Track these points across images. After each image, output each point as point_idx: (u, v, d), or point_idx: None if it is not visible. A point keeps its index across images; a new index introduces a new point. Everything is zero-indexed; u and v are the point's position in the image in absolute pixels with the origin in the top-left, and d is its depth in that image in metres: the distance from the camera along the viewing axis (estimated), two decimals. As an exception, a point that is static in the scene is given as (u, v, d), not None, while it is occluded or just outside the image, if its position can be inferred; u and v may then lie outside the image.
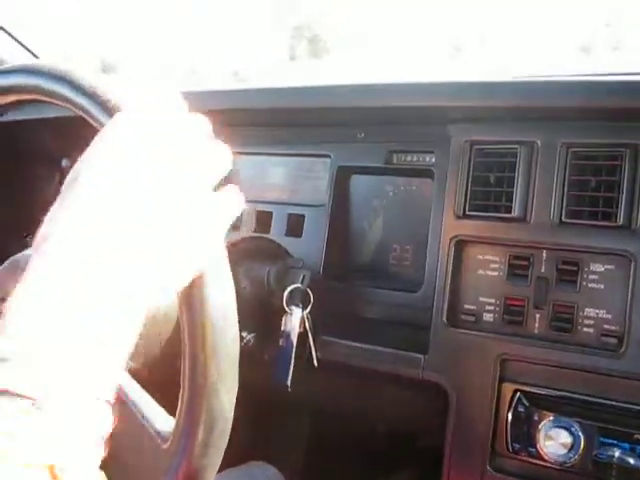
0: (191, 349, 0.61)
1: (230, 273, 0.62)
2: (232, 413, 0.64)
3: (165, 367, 0.83)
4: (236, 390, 0.64)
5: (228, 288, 0.62)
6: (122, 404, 0.69)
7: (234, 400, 0.64)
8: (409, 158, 1.13)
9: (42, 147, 1.49)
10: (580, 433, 0.90)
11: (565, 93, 0.95)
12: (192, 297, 0.60)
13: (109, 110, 0.65)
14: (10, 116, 1.24)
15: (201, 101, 1.23)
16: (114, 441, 0.62)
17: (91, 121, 0.67)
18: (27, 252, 0.80)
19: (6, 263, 0.81)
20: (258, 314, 1.10)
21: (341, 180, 1.19)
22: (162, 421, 0.68)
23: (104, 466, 0.64)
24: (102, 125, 0.66)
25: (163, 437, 0.66)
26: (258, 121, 1.25)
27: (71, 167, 1.47)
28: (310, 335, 1.08)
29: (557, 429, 0.91)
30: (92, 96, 0.67)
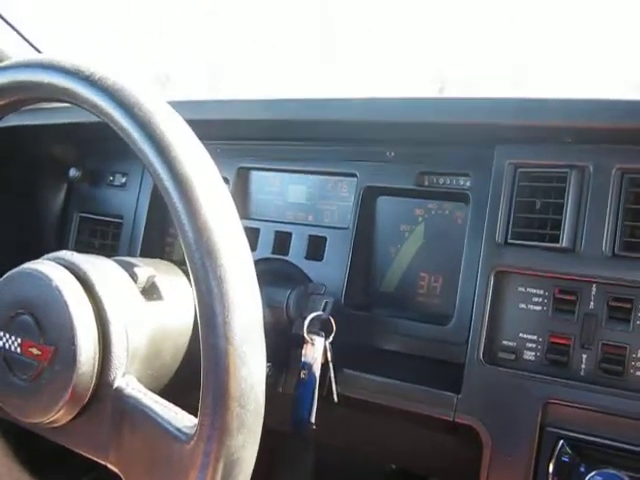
0: (206, 307, 0.56)
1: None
2: (264, 386, 0.59)
3: (181, 378, 0.81)
4: (265, 357, 0.60)
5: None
6: (141, 413, 0.65)
7: (264, 370, 0.59)
8: (442, 180, 1.06)
9: (49, 155, 1.42)
10: (632, 488, 0.81)
11: (629, 114, 0.87)
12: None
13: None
14: (14, 120, 1.18)
15: (220, 111, 1.18)
16: (137, 449, 0.59)
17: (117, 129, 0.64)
18: (26, 265, 0.74)
19: (4, 277, 0.74)
20: (274, 342, 1.01)
21: (367, 201, 1.11)
22: (183, 420, 0.63)
23: (127, 473, 0.58)
24: (121, 127, 0.62)
25: (187, 435, 0.60)
26: (280, 135, 1.18)
27: (80, 177, 1.41)
28: (331, 367, 1.00)
29: (605, 483, 0.82)
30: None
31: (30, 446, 1.11)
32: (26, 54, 1.25)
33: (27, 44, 1.23)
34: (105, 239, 1.38)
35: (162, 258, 1.09)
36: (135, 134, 0.62)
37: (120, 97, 0.64)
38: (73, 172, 1.41)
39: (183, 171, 0.60)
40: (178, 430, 0.61)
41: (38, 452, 1.10)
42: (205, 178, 0.61)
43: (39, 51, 1.29)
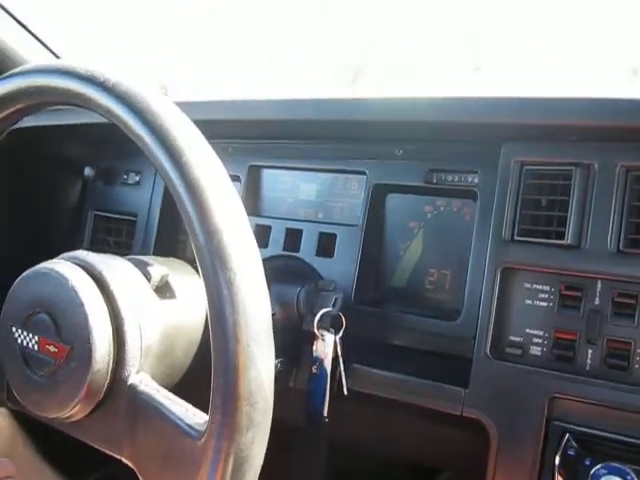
0: (216, 309, 0.59)
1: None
2: (272, 385, 0.60)
3: (193, 375, 0.83)
4: (273, 357, 0.61)
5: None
6: (153, 409, 0.67)
7: (272, 369, 0.60)
8: (450, 178, 1.07)
9: (64, 154, 1.44)
10: (636, 482, 0.82)
11: (633, 113, 0.87)
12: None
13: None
14: (31, 121, 1.20)
15: (231, 111, 1.20)
16: (150, 444, 0.62)
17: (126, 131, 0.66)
18: (43, 265, 0.76)
19: (21, 276, 0.76)
20: (285, 338, 1.03)
21: (377, 199, 1.13)
22: (195, 417, 0.65)
23: (140, 467, 0.60)
24: (134, 132, 0.64)
25: (198, 432, 0.62)
26: (291, 134, 1.19)
27: (95, 176, 1.43)
28: (341, 362, 1.01)
29: (610, 476, 0.83)
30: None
31: (50, 439, 1.13)
32: (44, 59, 1.28)
33: (46, 49, 1.25)
34: (119, 237, 1.40)
35: (175, 255, 1.11)
36: (147, 139, 0.64)
37: (132, 103, 0.65)
38: (88, 171, 1.43)
39: (194, 176, 0.61)
40: (189, 427, 0.63)
41: (57, 445, 1.13)
42: (215, 183, 0.63)
43: (57, 56, 1.32)
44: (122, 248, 1.37)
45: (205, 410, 0.62)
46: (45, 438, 1.32)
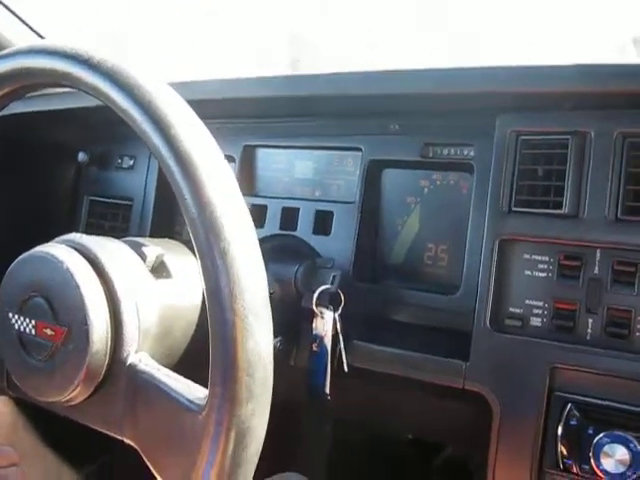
0: (211, 281, 0.58)
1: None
2: (271, 356, 0.60)
3: (192, 354, 0.83)
4: (271, 327, 0.61)
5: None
6: (153, 387, 0.67)
7: (271, 339, 0.60)
8: (446, 151, 1.06)
9: (57, 140, 1.43)
10: (639, 449, 0.82)
11: (627, 77, 0.87)
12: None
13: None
14: (23, 107, 1.19)
15: (222, 90, 1.19)
16: (152, 423, 0.62)
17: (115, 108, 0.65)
18: (38, 249, 0.75)
19: (16, 261, 0.76)
20: (284, 316, 1.03)
21: (372, 175, 1.12)
22: (195, 392, 0.65)
23: (143, 447, 0.59)
24: (121, 108, 0.63)
25: (199, 406, 0.62)
26: (284, 112, 1.18)
27: (89, 161, 1.43)
28: (341, 339, 1.01)
29: (613, 444, 0.83)
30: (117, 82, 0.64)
31: (52, 425, 1.13)
32: (29, 41, 1.26)
33: (32, 32, 1.24)
34: (115, 221, 1.39)
35: (172, 238, 1.10)
36: (136, 115, 0.63)
37: (120, 79, 0.65)
38: (82, 156, 1.42)
39: (184, 148, 0.61)
40: (190, 402, 0.63)
41: (59, 431, 1.13)
42: (206, 154, 0.62)
43: (42, 37, 1.30)
44: (118, 232, 1.36)
45: (206, 387, 0.62)
46: (47, 425, 1.32)
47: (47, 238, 0.81)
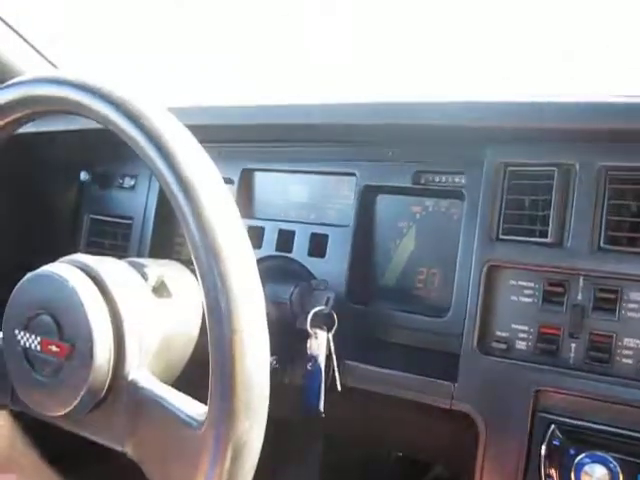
0: (211, 300, 0.62)
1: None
2: (268, 372, 0.63)
3: (192, 371, 0.86)
4: (268, 345, 0.64)
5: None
6: (154, 402, 0.69)
7: (268, 356, 0.63)
8: (437, 179, 1.10)
9: (60, 159, 1.46)
10: (619, 469, 0.85)
11: (607, 115, 0.91)
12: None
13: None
14: (27, 127, 1.22)
15: (224, 116, 1.23)
16: (152, 437, 0.65)
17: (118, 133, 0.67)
18: (44, 268, 0.78)
19: (23, 280, 0.79)
20: (279, 336, 1.06)
21: (367, 200, 1.16)
22: (194, 408, 0.67)
23: (143, 460, 0.62)
24: (129, 136, 0.66)
25: (198, 422, 0.65)
26: (282, 138, 1.22)
27: (90, 180, 1.46)
28: (334, 359, 1.04)
29: (594, 464, 0.87)
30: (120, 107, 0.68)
31: (50, 438, 1.15)
32: (42, 69, 1.30)
33: (44, 60, 1.28)
34: (115, 240, 1.42)
35: (171, 258, 1.13)
36: (142, 142, 0.67)
37: (127, 109, 0.69)
38: (84, 175, 1.46)
39: (187, 175, 0.64)
40: (189, 417, 0.66)
41: (57, 443, 1.15)
42: (208, 181, 0.66)
43: (55, 66, 1.34)
44: (118, 251, 1.39)
45: (205, 403, 0.65)
46: (45, 438, 1.34)
47: (50, 254, 0.84)
